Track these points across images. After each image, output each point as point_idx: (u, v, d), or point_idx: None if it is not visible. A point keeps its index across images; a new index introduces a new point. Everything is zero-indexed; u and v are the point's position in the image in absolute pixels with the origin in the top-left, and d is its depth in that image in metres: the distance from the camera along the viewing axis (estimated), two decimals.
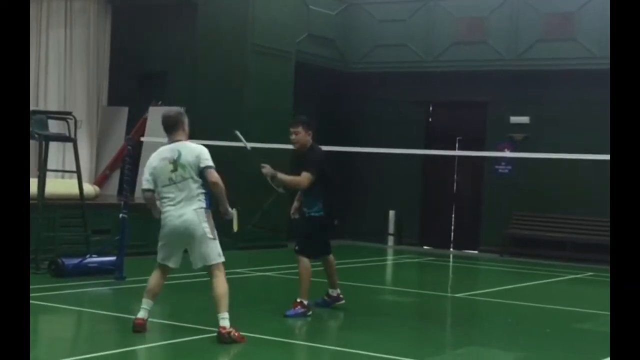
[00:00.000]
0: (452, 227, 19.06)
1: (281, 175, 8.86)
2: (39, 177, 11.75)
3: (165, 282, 7.92)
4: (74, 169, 12.39)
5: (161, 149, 7.67)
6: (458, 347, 8.24)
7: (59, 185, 13.07)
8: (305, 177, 8.86)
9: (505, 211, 17.90)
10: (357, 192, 19.35)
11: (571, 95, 17.32)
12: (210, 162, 7.46)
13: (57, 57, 16.04)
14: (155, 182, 7.55)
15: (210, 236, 7.44)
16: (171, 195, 7.46)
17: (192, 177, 7.42)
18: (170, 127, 7.67)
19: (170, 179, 7.45)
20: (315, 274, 9.46)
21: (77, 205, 12.30)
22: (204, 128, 13.11)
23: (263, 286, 11.92)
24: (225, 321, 7.31)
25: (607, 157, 11.16)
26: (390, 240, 19.15)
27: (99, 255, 11.49)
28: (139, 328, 7.56)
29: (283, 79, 17.08)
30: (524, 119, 18.02)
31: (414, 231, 19.18)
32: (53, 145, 13.54)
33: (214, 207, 7.55)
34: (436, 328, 9.33)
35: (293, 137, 9.03)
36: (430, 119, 19.52)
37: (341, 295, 9.51)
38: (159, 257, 7.67)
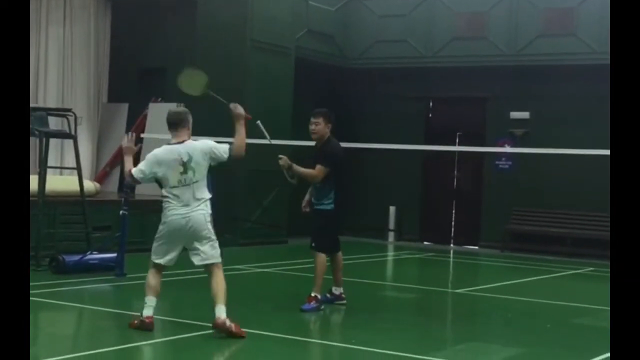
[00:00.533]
0: (453, 223, 19.05)
1: (296, 167, 8.97)
2: (39, 174, 11.75)
3: (165, 279, 7.94)
4: (74, 165, 12.40)
5: (169, 148, 7.64)
6: (459, 342, 8.25)
7: (60, 182, 13.06)
8: (319, 170, 8.97)
9: (505, 207, 17.90)
10: (357, 188, 19.31)
11: (571, 91, 17.31)
12: (225, 146, 7.56)
13: (57, 53, 16.04)
14: (156, 180, 7.61)
15: (212, 237, 7.56)
16: (179, 196, 7.50)
17: (200, 180, 7.51)
18: (176, 125, 7.72)
19: (179, 180, 7.50)
20: (311, 270, 9.47)
21: (77, 202, 12.30)
22: (204, 125, 13.05)
23: (263, 283, 11.92)
24: (224, 312, 7.37)
25: (607, 152, 11.16)
26: (391, 236, 19.15)
27: (100, 252, 11.50)
28: (150, 326, 7.56)
29: (283, 75, 17.07)
30: (524, 115, 18.01)
31: (414, 227, 19.18)
32: (53, 142, 13.55)
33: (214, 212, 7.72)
34: (437, 324, 9.33)
35: (313, 127, 9.13)
36: (430, 115, 19.51)
37: (343, 295, 9.51)
38: (156, 257, 7.67)
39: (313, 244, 9.13)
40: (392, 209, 19.14)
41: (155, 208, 14.42)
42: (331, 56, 18.93)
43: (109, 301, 9.73)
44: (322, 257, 9.08)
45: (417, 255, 16.78)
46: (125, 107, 16.99)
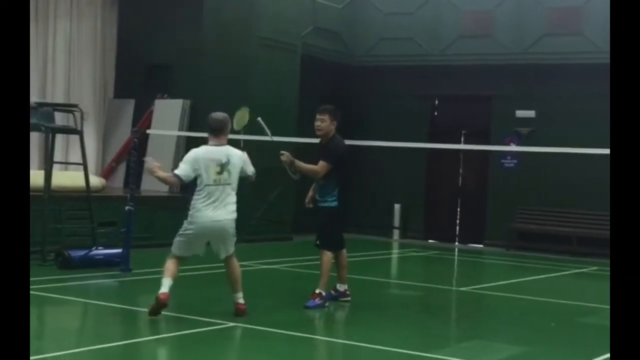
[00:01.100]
0: (458, 221, 19.05)
1: (299, 163, 9.03)
2: (45, 170, 11.78)
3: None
4: (80, 161, 12.42)
5: (210, 148, 8.01)
6: (463, 340, 8.26)
7: (65, 178, 13.09)
8: (322, 167, 9.03)
9: (510, 205, 17.89)
10: (362, 186, 19.34)
11: (577, 90, 17.28)
12: (252, 167, 8.25)
13: (63, 49, 16.07)
14: (195, 178, 7.92)
15: (235, 235, 8.13)
16: (211, 195, 7.86)
17: (232, 184, 7.96)
18: (219, 131, 8.07)
19: (215, 180, 7.86)
20: (315, 267, 9.48)
21: (83, 197, 12.33)
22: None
23: (267, 279, 11.94)
24: (242, 298, 8.11)
25: None
26: (396, 233, 19.16)
27: (105, 247, 11.53)
28: (164, 302, 7.72)
29: (289, 72, 17.08)
30: (530, 113, 17.99)
31: (419, 225, 19.18)
32: (59, 138, 13.59)
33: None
34: (441, 321, 9.34)
35: (318, 123, 9.17)
36: (435, 113, 19.50)
37: (348, 292, 9.53)
38: (177, 251, 7.99)
39: (318, 242, 9.17)
40: (397, 206, 19.14)
41: (160, 204, 14.53)
42: (337, 53, 18.93)
43: (114, 296, 9.75)
44: (327, 255, 9.12)
45: (421, 253, 16.78)
46: (131, 103, 17.02)
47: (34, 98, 13.52)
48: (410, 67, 18.89)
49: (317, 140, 9.41)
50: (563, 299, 10.97)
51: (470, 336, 8.36)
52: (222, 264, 8.22)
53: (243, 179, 8.21)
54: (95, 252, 11.29)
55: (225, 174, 7.88)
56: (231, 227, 7.99)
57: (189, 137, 15.15)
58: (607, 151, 11.51)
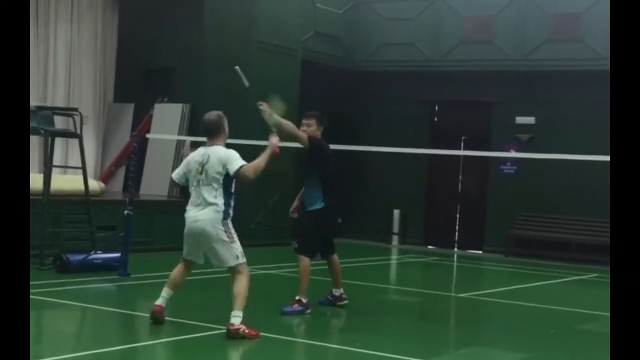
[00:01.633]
0: (457, 227, 19.05)
1: (280, 119, 8.52)
2: (44, 173, 11.77)
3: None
4: (80, 165, 12.41)
5: (199, 150, 7.86)
6: (461, 347, 8.24)
7: (65, 181, 13.07)
8: (303, 135, 8.89)
9: (510, 211, 17.89)
10: (361, 191, 19.35)
11: (577, 96, 17.29)
12: (239, 163, 7.54)
13: (63, 52, 16.05)
14: (186, 180, 7.82)
15: (226, 239, 7.54)
16: (194, 195, 7.69)
17: (211, 184, 7.58)
18: (213, 131, 7.83)
19: (198, 180, 7.67)
20: (320, 272, 9.46)
21: (82, 201, 12.31)
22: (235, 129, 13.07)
23: (267, 284, 11.91)
24: (235, 319, 7.38)
25: None
26: (395, 239, 19.15)
27: (104, 251, 11.50)
28: (157, 314, 7.66)
29: (289, 77, 17.07)
30: (530, 120, 18.00)
31: (418, 231, 19.17)
32: (59, 141, 13.57)
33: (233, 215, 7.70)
34: (440, 328, 9.32)
35: (304, 128, 9.10)
36: (435, 119, 19.50)
37: (344, 295, 9.50)
38: (184, 251, 7.86)
39: (296, 247, 9.08)
40: (396, 212, 19.14)
41: (159, 208, 14.50)
42: (338, 58, 18.93)
43: (113, 301, 9.72)
44: (305, 261, 8.96)
45: (421, 259, 16.77)
46: (131, 107, 17.00)
47: (34, 102, 13.53)
48: (410, 72, 18.90)
49: None
50: (562, 305, 10.95)
51: (469, 343, 8.34)
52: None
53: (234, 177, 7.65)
54: (93, 256, 11.27)
55: (204, 174, 7.60)
56: (213, 228, 7.48)
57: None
58: (606, 158, 11.49)
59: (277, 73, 16.70)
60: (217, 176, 7.57)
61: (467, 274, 15.42)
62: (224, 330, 7.45)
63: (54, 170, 12.22)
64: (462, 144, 18.79)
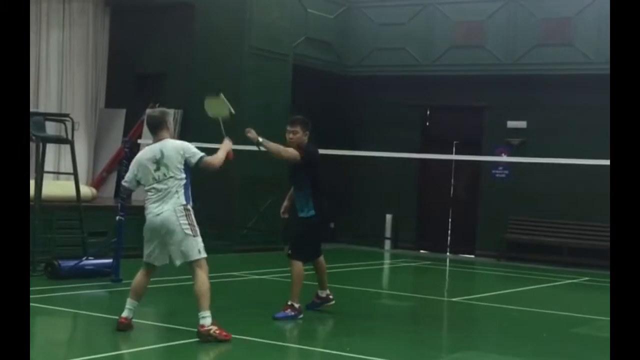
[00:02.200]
0: (449, 231, 19.05)
1: (266, 142, 8.67)
2: (35, 179, 11.73)
3: (160, 285, 7.91)
4: (71, 170, 12.38)
5: (146, 148, 7.78)
6: (454, 351, 8.24)
7: (56, 187, 13.05)
8: (292, 152, 8.82)
9: (502, 215, 17.91)
10: (353, 196, 19.35)
11: (568, 100, 17.33)
12: (199, 153, 7.59)
13: (55, 58, 16.05)
14: (138, 182, 7.69)
15: (190, 232, 7.46)
16: (153, 193, 7.58)
17: (174, 176, 7.51)
18: (155, 127, 7.76)
19: (154, 178, 7.56)
20: (306, 277, 9.43)
21: (74, 207, 12.28)
22: (201, 130, 13.07)
23: (258, 290, 11.91)
24: (205, 319, 7.33)
25: (604, 161, 11.14)
26: (387, 244, 19.15)
27: (96, 257, 11.48)
28: (122, 327, 7.65)
29: (280, 82, 17.07)
30: (521, 124, 18.03)
31: (410, 235, 19.18)
32: (50, 147, 13.54)
33: (195, 203, 7.65)
34: (432, 332, 9.32)
35: (290, 136, 9.01)
36: (427, 123, 19.52)
37: (331, 296, 9.47)
38: (144, 253, 7.75)
39: (289, 252, 9.06)
40: (388, 216, 19.14)
41: None
42: (329, 63, 18.94)
43: (105, 307, 9.69)
44: (298, 265, 8.96)
45: (413, 264, 16.77)
46: (122, 112, 17.00)
47: None
48: (402, 77, 18.92)
49: None
50: (554, 309, 10.96)
51: (462, 347, 8.34)
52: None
53: (195, 170, 7.62)
54: (85, 262, 11.25)
55: (162, 168, 7.48)
56: (176, 220, 7.38)
57: None
58: (599, 161, 11.55)
59: (269, 78, 16.71)
60: (178, 166, 7.50)
61: (460, 278, 15.43)
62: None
63: (46, 176, 12.19)
64: (453, 148, 18.81)
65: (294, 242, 9.08)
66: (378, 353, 7.44)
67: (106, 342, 7.66)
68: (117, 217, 11.17)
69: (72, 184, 12.36)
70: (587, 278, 14.94)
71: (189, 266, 7.54)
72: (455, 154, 18.65)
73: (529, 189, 17.70)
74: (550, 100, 17.58)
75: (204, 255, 7.54)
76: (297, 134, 9.00)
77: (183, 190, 7.52)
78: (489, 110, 18.39)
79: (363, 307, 10.48)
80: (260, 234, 16.32)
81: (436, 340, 8.87)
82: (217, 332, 7.31)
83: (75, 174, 12.31)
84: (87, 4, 16.60)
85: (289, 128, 9.06)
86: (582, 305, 11.98)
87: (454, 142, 18.89)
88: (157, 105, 16.41)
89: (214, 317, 7.46)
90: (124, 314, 7.71)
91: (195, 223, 7.52)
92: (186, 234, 7.44)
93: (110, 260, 11.17)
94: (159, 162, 7.52)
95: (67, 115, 12.84)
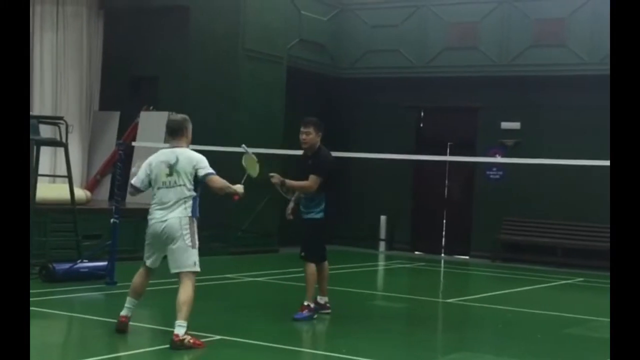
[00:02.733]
0: (444, 233, 19.08)
1: (290, 182, 8.97)
2: (30, 182, 11.71)
3: (158, 287, 7.91)
4: (65, 173, 12.37)
5: (161, 151, 7.76)
6: (449, 352, 8.25)
7: (50, 190, 13.03)
8: (313, 181, 8.92)
9: (496, 216, 17.93)
10: (348, 198, 19.34)
11: (562, 101, 17.37)
12: (209, 169, 7.55)
13: (49, 61, 16.04)
14: (149, 183, 7.65)
15: (189, 244, 7.46)
16: (161, 198, 7.54)
17: (184, 185, 7.50)
18: (175, 132, 7.76)
19: (164, 182, 7.54)
20: (301, 279, 9.45)
21: (68, 210, 12.27)
22: (195, 133, 13.05)
23: (253, 292, 11.90)
24: (180, 329, 7.28)
25: (598, 162, 11.17)
26: (382, 245, 19.16)
27: (90, 260, 11.47)
28: (122, 326, 7.67)
29: (274, 84, 17.09)
30: (515, 125, 18.06)
31: (405, 236, 19.19)
32: (46, 150, 13.53)
33: (200, 215, 7.61)
34: (427, 333, 9.33)
35: (304, 137, 9.07)
36: (421, 124, 19.55)
37: (328, 305, 9.48)
38: (145, 256, 7.75)
39: (303, 254, 9.11)
40: (383, 218, 19.15)
41: (145, 217, 14.43)
42: (323, 65, 18.96)
43: (99, 310, 9.68)
44: (312, 267, 9.08)
45: (408, 265, 16.79)
46: (116, 115, 16.99)
47: None
48: (396, 79, 18.95)
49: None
50: (549, 310, 10.98)
51: (457, 348, 8.35)
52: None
53: (200, 181, 7.57)
54: (80, 265, 11.23)
55: (174, 175, 7.48)
56: (179, 229, 7.39)
57: None
58: (593, 162, 11.58)
59: (263, 80, 16.72)
60: (189, 177, 7.51)
61: (454, 279, 15.45)
62: (212, 338, 7.44)
63: (40, 178, 12.18)
64: (448, 150, 18.84)
65: (305, 244, 9.13)
66: (373, 354, 7.45)
67: (102, 345, 7.66)
68: (112, 220, 11.16)
69: (66, 186, 12.35)
70: (581, 279, 14.97)
71: (178, 275, 7.52)
72: (450, 155, 18.68)
73: (523, 190, 17.73)
74: (544, 101, 17.62)
75: (197, 269, 7.53)
76: (310, 134, 9.06)
77: (191, 202, 7.53)
78: (483, 111, 18.42)
79: (358, 308, 10.49)
80: (255, 236, 16.32)
81: (431, 342, 8.88)
82: (191, 341, 7.29)
83: (69, 176, 12.29)
84: (81, 7, 16.60)
85: (302, 129, 9.12)
86: (576, 305, 12.01)
87: (449, 143, 18.91)
88: (151, 107, 16.45)
89: (213, 318, 7.47)
90: (124, 312, 7.73)
91: (196, 236, 7.54)
92: (185, 244, 7.46)
93: (104, 263, 11.15)
94: (172, 168, 7.53)
95: (61, 118, 12.82)
